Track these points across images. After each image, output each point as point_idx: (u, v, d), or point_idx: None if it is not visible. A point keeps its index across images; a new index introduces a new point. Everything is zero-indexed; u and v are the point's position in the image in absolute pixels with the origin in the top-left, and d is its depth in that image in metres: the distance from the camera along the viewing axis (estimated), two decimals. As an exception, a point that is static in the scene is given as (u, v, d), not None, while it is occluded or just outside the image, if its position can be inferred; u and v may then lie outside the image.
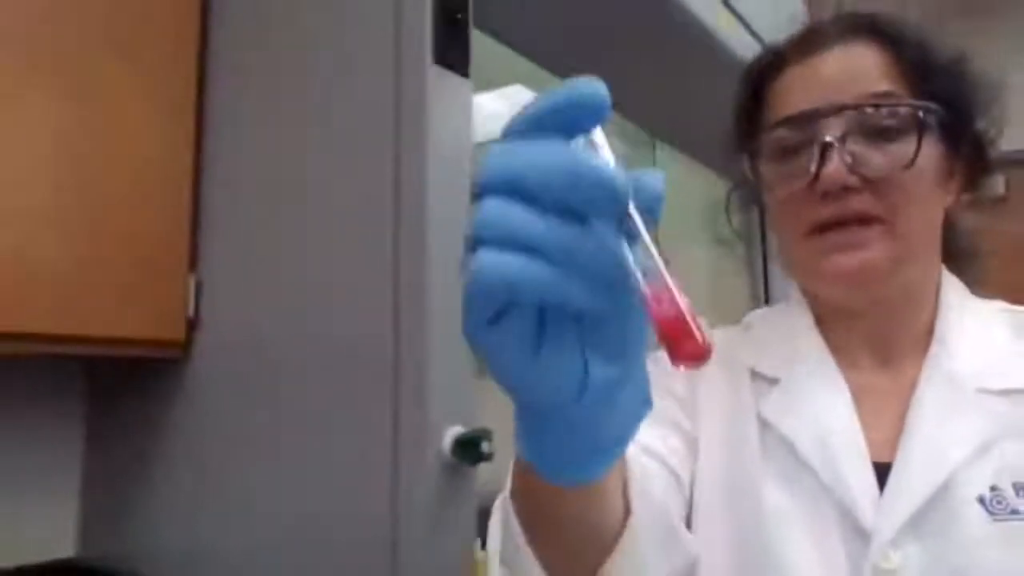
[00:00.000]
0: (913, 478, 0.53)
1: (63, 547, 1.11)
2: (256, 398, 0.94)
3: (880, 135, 0.55)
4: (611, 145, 0.27)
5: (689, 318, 0.26)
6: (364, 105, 0.86)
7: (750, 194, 0.69)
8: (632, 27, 1.20)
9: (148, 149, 0.97)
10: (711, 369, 0.62)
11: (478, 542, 0.79)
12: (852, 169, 0.54)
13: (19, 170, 0.85)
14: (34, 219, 0.86)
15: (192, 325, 1.00)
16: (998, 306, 0.62)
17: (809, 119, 0.56)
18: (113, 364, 1.11)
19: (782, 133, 0.59)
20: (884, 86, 0.56)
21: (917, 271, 0.59)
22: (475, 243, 0.26)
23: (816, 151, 0.55)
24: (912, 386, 0.57)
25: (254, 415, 0.94)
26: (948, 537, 0.51)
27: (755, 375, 0.63)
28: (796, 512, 0.55)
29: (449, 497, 0.76)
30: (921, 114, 0.55)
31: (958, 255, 0.64)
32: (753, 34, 1.34)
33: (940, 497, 0.52)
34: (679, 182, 1.70)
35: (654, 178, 0.27)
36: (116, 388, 1.13)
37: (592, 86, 0.26)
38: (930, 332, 0.59)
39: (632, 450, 0.45)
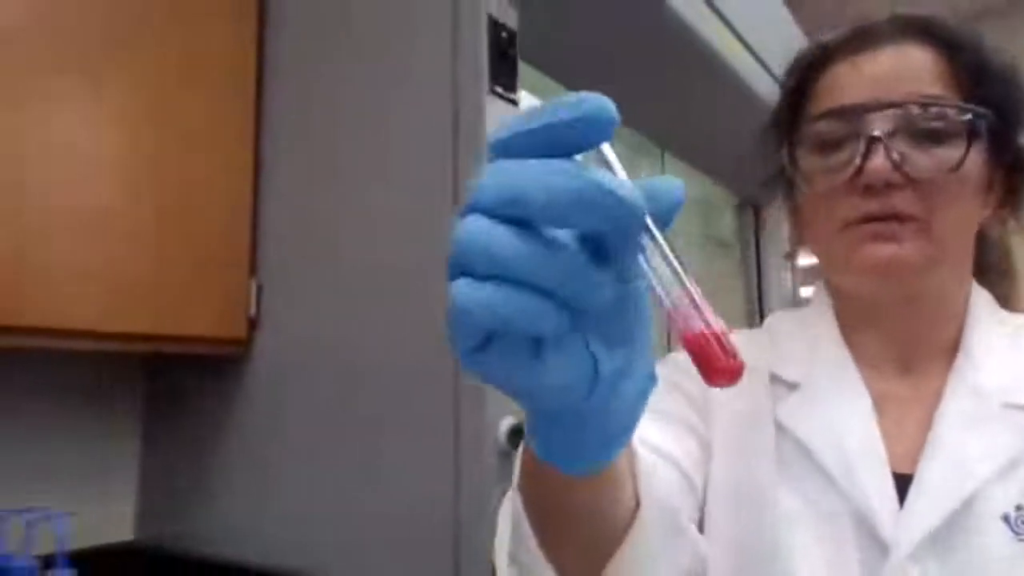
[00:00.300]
0: (936, 491, 0.51)
1: (122, 532, 1.19)
2: (315, 396, 1.02)
3: (927, 137, 0.54)
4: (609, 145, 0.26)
5: (720, 335, 0.25)
6: (424, 125, 0.95)
7: (767, 193, 0.68)
8: (637, 45, 1.28)
9: (211, 163, 1.06)
10: None
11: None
12: (897, 166, 0.53)
13: (92, 176, 0.93)
14: (108, 222, 0.94)
15: (253, 324, 1.08)
16: None
17: (857, 113, 0.55)
18: (172, 362, 1.19)
19: (828, 126, 0.57)
20: (936, 89, 0.55)
21: (949, 276, 0.58)
22: (456, 269, 0.25)
23: (862, 144, 0.54)
24: (935, 397, 0.56)
25: (314, 412, 1.02)
26: (970, 554, 0.49)
27: (774, 378, 0.61)
28: (809, 517, 0.54)
29: (506, 480, 0.86)
30: (972, 119, 0.54)
31: (989, 270, 0.63)
32: (755, 56, 1.44)
33: (963, 513, 0.50)
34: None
35: (670, 186, 0.26)
36: (176, 386, 1.20)
37: (600, 100, 0.24)
38: (956, 343, 0.58)
39: (644, 451, 0.45)
